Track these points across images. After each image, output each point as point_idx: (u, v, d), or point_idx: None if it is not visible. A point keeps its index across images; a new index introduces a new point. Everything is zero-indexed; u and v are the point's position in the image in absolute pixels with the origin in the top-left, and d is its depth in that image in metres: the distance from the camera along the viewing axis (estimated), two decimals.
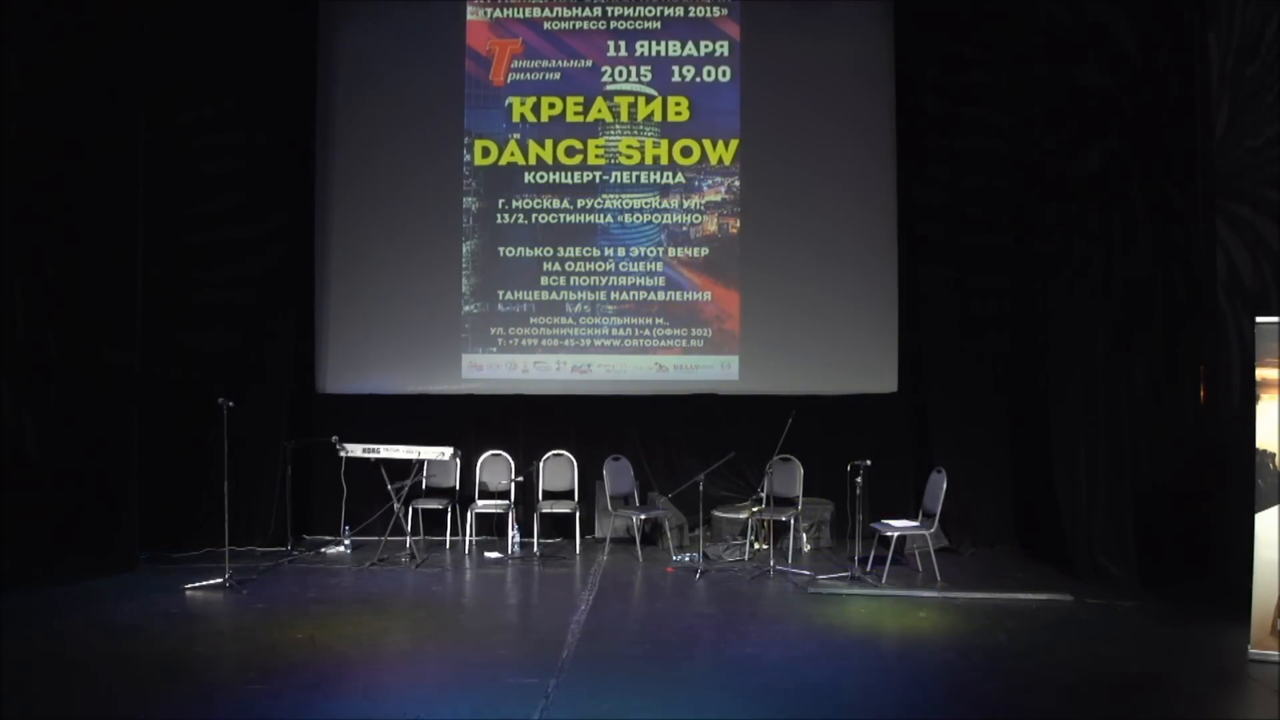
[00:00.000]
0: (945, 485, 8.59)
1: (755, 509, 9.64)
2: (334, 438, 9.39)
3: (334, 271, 10.69)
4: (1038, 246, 9.41)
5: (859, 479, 8.50)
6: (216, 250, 10.17)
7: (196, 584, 8.31)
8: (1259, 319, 6.74)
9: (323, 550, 9.88)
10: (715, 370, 10.64)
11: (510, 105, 10.72)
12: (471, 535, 9.96)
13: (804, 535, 9.83)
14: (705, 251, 10.66)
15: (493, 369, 10.71)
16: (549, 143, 10.71)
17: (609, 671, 6.32)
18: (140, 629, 7.15)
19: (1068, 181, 8.94)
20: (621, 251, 10.68)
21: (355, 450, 9.41)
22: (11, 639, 6.80)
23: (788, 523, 9.55)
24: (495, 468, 10.31)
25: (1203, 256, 8.50)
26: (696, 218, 10.67)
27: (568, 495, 10.16)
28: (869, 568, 8.77)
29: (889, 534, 8.74)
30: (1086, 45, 8.76)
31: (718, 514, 10.00)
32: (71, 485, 8.75)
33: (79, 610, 7.61)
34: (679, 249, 10.67)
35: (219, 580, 8.32)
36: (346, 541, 9.89)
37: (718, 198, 10.66)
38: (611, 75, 10.68)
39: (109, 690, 5.88)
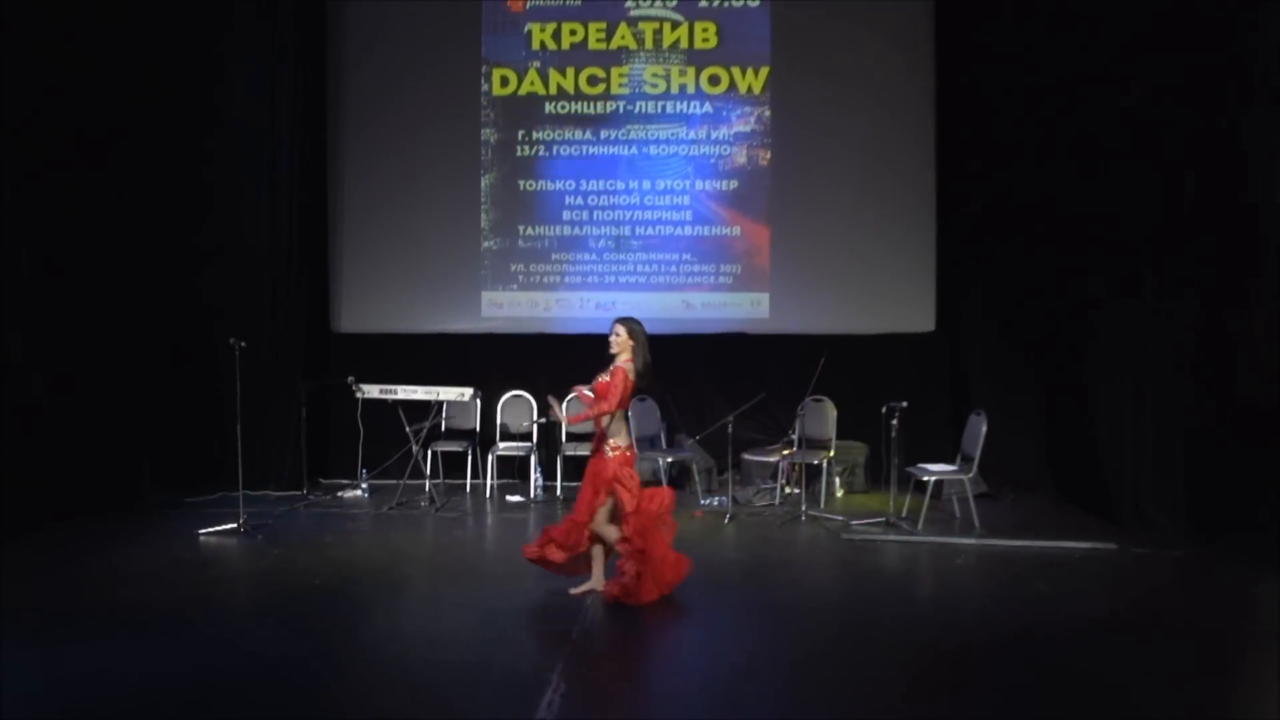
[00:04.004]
0: (985, 428, 8.46)
1: (786, 452, 9.58)
2: (350, 379, 9.36)
3: (349, 207, 10.62)
4: (1082, 178, 9.14)
5: (894, 421, 8.42)
6: (228, 187, 10.08)
7: (210, 529, 8.31)
8: None
9: (339, 494, 9.89)
10: (744, 308, 10.55)
11: (529, 32, 10.51)
12: (493, 479, 9.96)
13: (837, 479, 9.82)
14: (734, 184, 10.51)
15: (513, 307, 10.64)
16: (570, 71, 10.51)
17: (634, 619, 6.29)
18: (154, 575, 7.16)
19: (1116, 110, 8.65)
20: (646, 185, 10.55)
21: (372, 391, 9.39)
22: (22, 586, 6.80)
23: (820, 466, 9.51)
24: (517, 409, 10.28)
25: (1261, 181, 8.19)
26: (725, 149, 10.50)
27: (592, 437, 10.06)
28: (904, 513, 8.71)
29: (925, 478, 8.64)
30: None
31: (747, 457, 9.94)
32: (82, 430, 8.78)
33: (90, 556, 7.61)
34: (706, 182, 10.52)
35: (233, 525, 8.31)
36: (364, 485, 9.90)
37: (747, 128, 10.48)
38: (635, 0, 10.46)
39: (122, 638, 5.87)
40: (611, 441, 6.51)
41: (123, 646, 5.72)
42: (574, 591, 6.61)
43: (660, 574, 6.44)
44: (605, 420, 6.50)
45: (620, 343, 6.53)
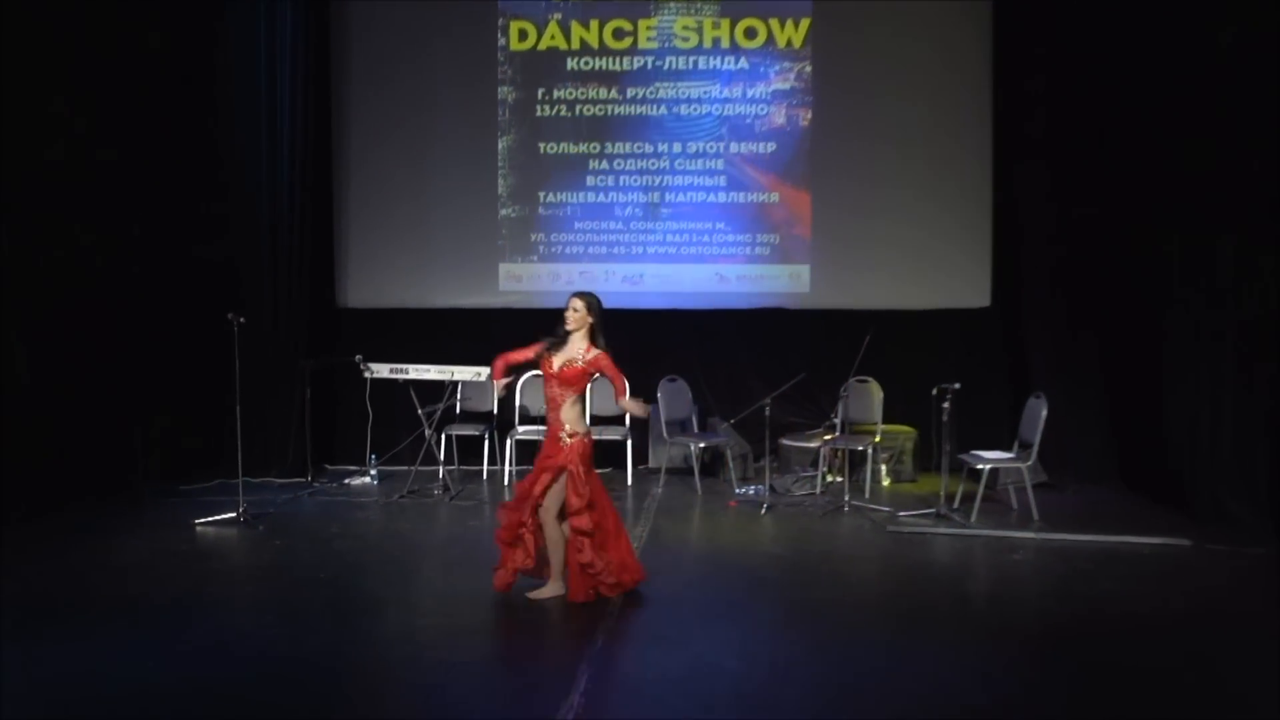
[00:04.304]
0: (1045, 412, 8.37)
1: (828, 437, 9.53)
2: (358, 357, 9.35)
3: (356, 171, 10.62)
4: (1158, 139, 8.95)
5: (945, 404, 8.36)
6: (224, 151, 10.06)
7: (207, 519, 8.32)
8: None
9: (346, 481, 9.91)
10: (783, 281, 10.50)
11: None
12: (511, 465, 9.96)
13: (883, 467, 9.81)
14: (772, 147, 10.43)
15: (533, 280, 10.62)
16: (594, 24, 10.46)
17: (664, 618, 6.25)
18: (146, 569, 7.17)
19: (1190, 66, 8.45)
20: (677, 147, 10.50)
21: (381, 370, 9.38)
22: (4, 580, 6.81)
23: (865, 452, 9.50)
24: (537, 390, 10.20)
25: None
26: (762, 108, 10.43)
27: (619, 421, 10.11)
28: (956, 504, 8.65)
29: (980, 466, 8.60)
30: None
31: (786, 442, 9.93)
32: (67, 411, 8.77)
33: (77, 549, 7.63)
34: (742, 144, 10.45)
35: (232, 515, 8.32)
36: (373, 472, 9.90)
37: (786, 85, 10.39)
38: None
39: (112, 636, 5.86)
40: (568, 428, 6.39)
41: (112, 645, 5.71)
42: (532, 596, 6.45)
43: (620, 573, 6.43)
44: (565, 404, 6.38)
45: (578, 319, 6.42)
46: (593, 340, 6.43)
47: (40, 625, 5.98)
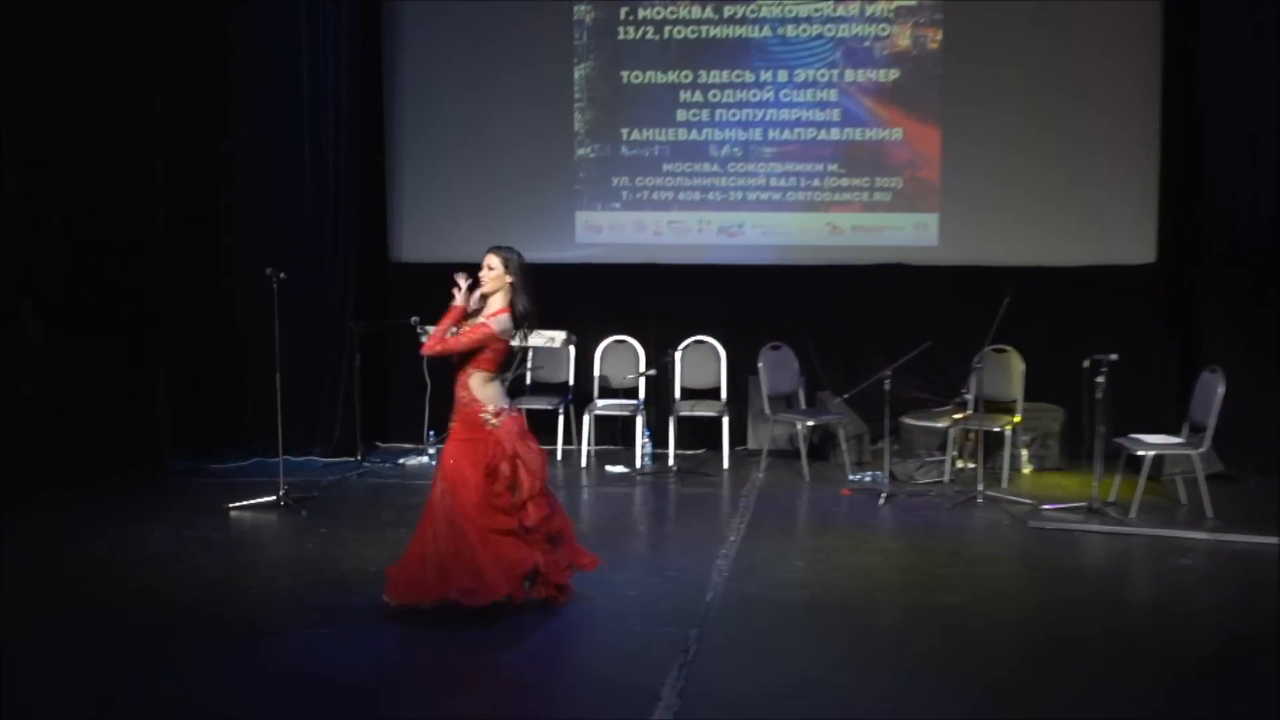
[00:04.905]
0: (1222, 389, 8.21)
1: (959, 416, 9.47)
2: (414, 319, 9.38)
3: (410, 107, 10.69)
4: None
5: (1100, 378, 8.27)
6: (257, 80, 10.16)
7: (243, 503, 8.43)
8: None
9: (401, 462, 10.02)
10: (907, 233, 10.43)
11: None
12: (589, 444, 9.99)
13: (1024, 452, 9.74)
14: (895, 75, 10.35)
15: (616, 231, 10.62)
16: None
17: (764, 622, 6.23)
18: (174, 558, 7.27)
19: None
20: (783, 76, 10.42)
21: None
22: (17, 571, 6.94)
23: (1002, 435, 9.41)
24: (620, 358, 10.28)
25: None
26: (883, 29, 10.35)
27: (713, 394, 10.14)
28: (1112, 497, 8.51)
29: (1141, 453, 8.46)
30: None
31: (909, 421, 9.90)
32: (84, 380, 8.92)
33: (98, 536, 7.75)
34: (859, 71, 10.38)
35: (271, 498, 8.41)
36: (430, 450, 9.96)
37: (912, 2, 10.30)
38: None
39: (137, 634, 5.93)
40: (490, 408, 6.15)
41: (135, 648, 5.77)
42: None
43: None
44: (473, 383, 6.16)
45: (494, 279, 6.20)
46: (511, 306, 6.19)
47: (55, 624, 6.08)
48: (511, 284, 6.20)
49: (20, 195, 8.53)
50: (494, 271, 6.20)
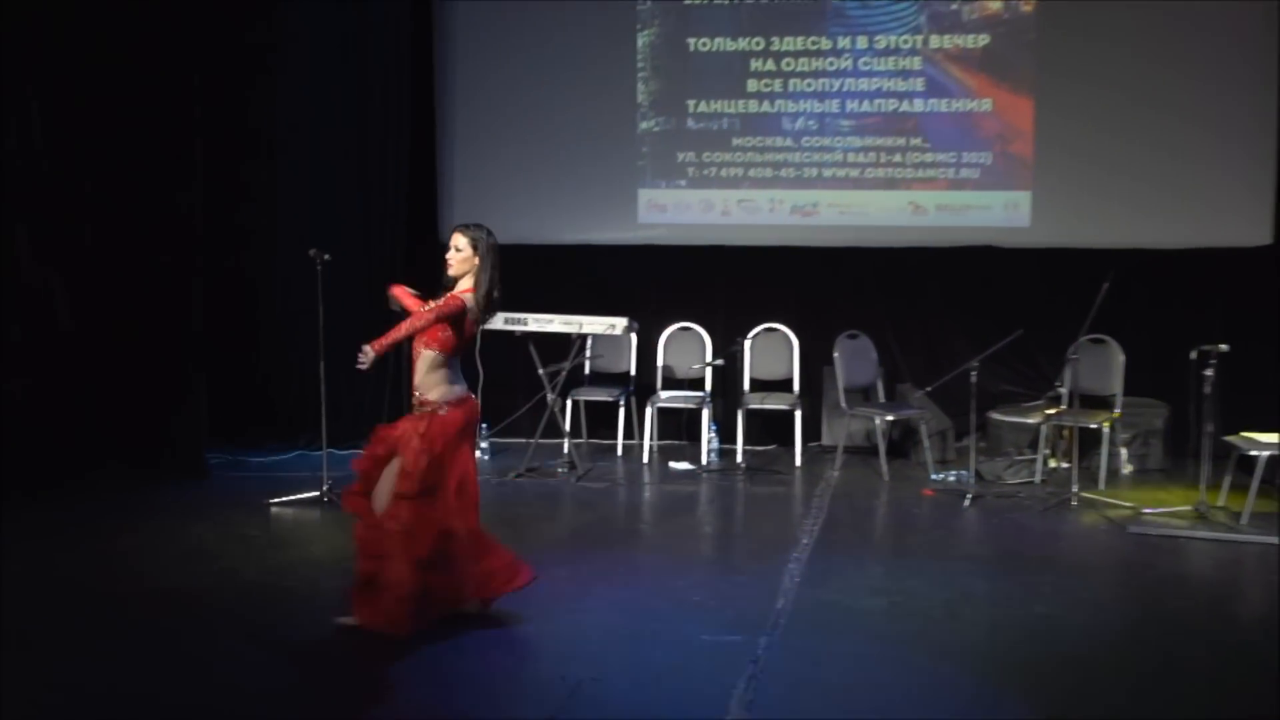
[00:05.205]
0: None
1: (1052, 411, 9.42)
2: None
3: (459, 78, 10.72)
4: None
5: (1209, 371, 8.17)
6: (302, 56, 10.22)
7: (284, 498, 8.49)
8: None
9: None
10: (997, 212, 10.40)
11: None
12: (652, 438, 10.00)
13: (1124, 451, 9.68)
14: (984, 40, 10.31)
15: (681, 210, 10.64)
16: None
17: (839, 632, 6.19)
18: (211, 558, 7.32)
19: None
20: (862, 42, 10.41)
21: (494, 321, 9.34)
22: (44, 568, 7.01)
23: (1099, 432, 9.32)
24: (684, 347, 10.28)
25: None
26: None
27: (784, 386, 10.13)
28: (1221, 501, 8.46)
29: (1253, 453, 8.33)
30: None
31: (997, 417, 9.89)
32: (115, 365, 9.02)
33: (130, 531, 7.82)
34: (946, 37, 10.35)
35: (314, 494, 8.47)
36: (483, 445, 10.01)
37: None
38: None
39: (170, 639, 5.96)
40: (455, 389, 6.04)
41: (165, 656, 5.80)
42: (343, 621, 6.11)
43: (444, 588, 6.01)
44: (430, 364, 6.01)
45: (462, 260, 6.09)
46: (477, 289, 6.05)
47: (82, 626, 6.13)
48: (478, 265, 6.06)
49: (52, 173, 8.64)
50: (461, 253, 6.08)
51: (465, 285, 6.06)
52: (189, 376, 9.32)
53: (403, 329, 5.98)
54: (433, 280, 10.42)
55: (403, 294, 6.42)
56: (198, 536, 7.73)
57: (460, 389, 6.10)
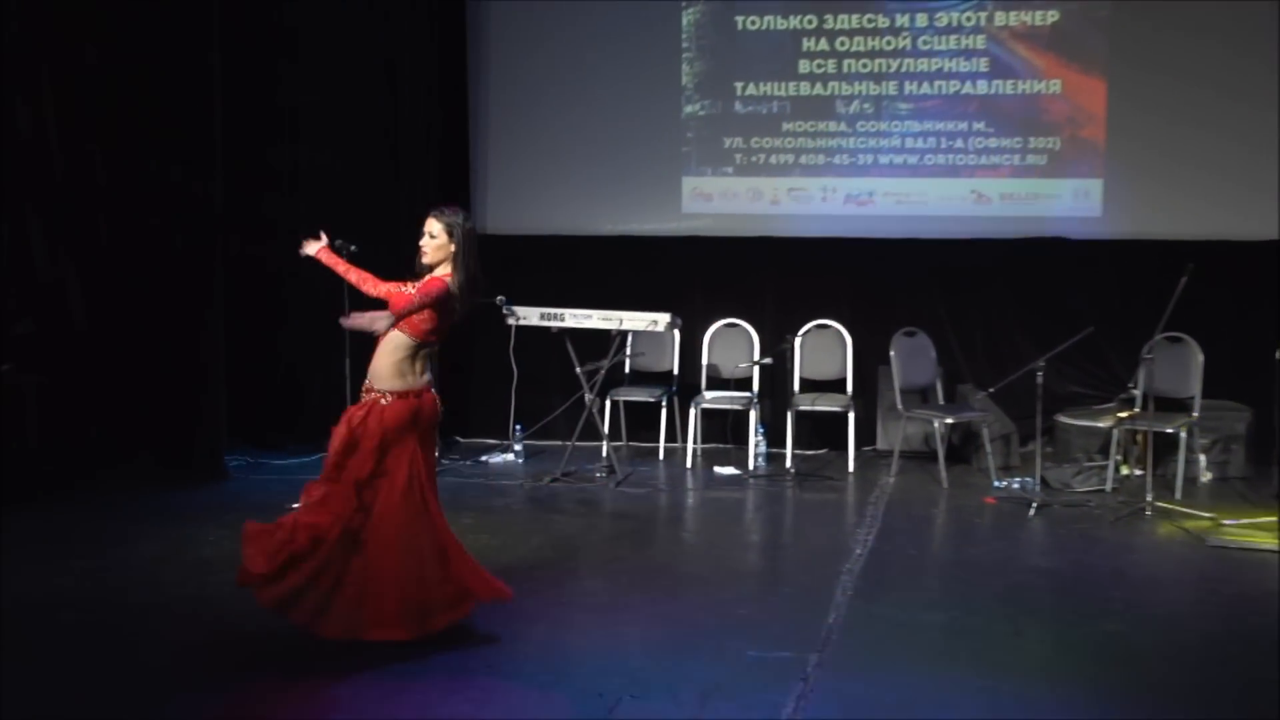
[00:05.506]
0: None
1: (1124, 414, 9.40)
2: (499, 299, 9.44)
3: (494, 56, 10.78)
4: None
5: None
6: (327, 37, 10.29)
7: None
8: None
9: (484, 459, 10.13)
10: (1065, 201, 10.41)
11: None
12: (695, 441, 10.02)
13: (1202, 458, 9.62)
14: (1054, 17, 10.30)
15: (728, 199, 10.66)
16: None
17: (894, 648, 6.18)
18: (231, 565, 7.28)
19: None
20: (922, 20, 10.43)
21: (529, 316, 9.47)
22: (55, 576, 7.07)
23: (1176, 437, 9.29)
24: (730, 344, 10.28)
25: None
26: None
27: (837, 386, 10.14)
28: None
29: None
30: None
31: (1064, 420, 9.88)
32: (131, 362, 9.10)
33: (146, 537, 7.89)
34: (1011, 14, 10.35)
35: None
36: (517, 447, 10.09)
37: None
38: None
39: (186, 654, 6.01)
40: (410, 380, 5.98)
41: (180, 673, 5.84)
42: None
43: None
44: (393, 347, 5.96)
45: (437, 248, 6.05)
46: (454, 277, 6.01)
47: (94, 639, 6.19)
48: (454, 253, 6.04)
49: (65, 162, 8.74)
50: (436, 240, 6.05)
51: (443, 273, 6.03)
52: (208, 375, 9.39)
53: (383, 317, 5.93)
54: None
55: (360, 318, 6.11)
56: (217, 542, 7.73)
57: (417, 381, 6.03)
